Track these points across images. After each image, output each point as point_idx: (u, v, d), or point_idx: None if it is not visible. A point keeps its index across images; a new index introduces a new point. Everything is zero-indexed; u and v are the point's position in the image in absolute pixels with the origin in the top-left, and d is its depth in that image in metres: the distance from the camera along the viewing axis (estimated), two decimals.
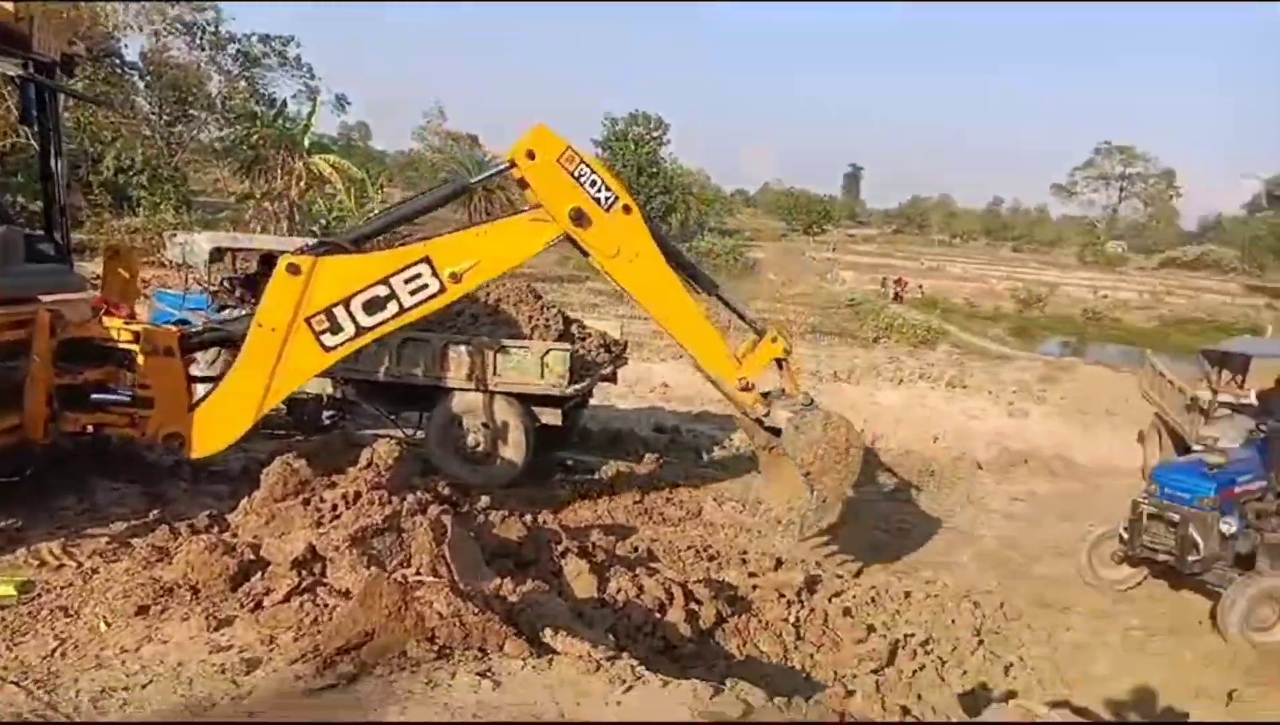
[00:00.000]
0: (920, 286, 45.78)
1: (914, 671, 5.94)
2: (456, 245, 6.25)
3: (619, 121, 53.87)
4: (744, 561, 7.59)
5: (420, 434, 9.83)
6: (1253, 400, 8.52)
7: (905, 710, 4.57)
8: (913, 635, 6.74)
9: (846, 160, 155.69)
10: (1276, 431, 7.88)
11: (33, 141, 7.40)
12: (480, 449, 9.47)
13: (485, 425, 9.41)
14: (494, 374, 9.25)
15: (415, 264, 6.12)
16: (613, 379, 11.11)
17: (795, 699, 4.56)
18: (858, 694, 4.77)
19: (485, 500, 7.69)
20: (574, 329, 10.59)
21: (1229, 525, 7.46)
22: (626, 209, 6.34)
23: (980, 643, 6.82)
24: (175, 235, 13.18)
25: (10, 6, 6.03)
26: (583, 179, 6.21)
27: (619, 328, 11.52)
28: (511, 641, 4.57)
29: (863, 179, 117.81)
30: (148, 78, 37.81)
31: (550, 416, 9.55)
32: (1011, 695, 5.62)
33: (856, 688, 4.99)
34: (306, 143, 32.87)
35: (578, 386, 9.49)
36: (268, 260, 10.93)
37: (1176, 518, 7.53)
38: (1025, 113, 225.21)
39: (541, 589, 5.66)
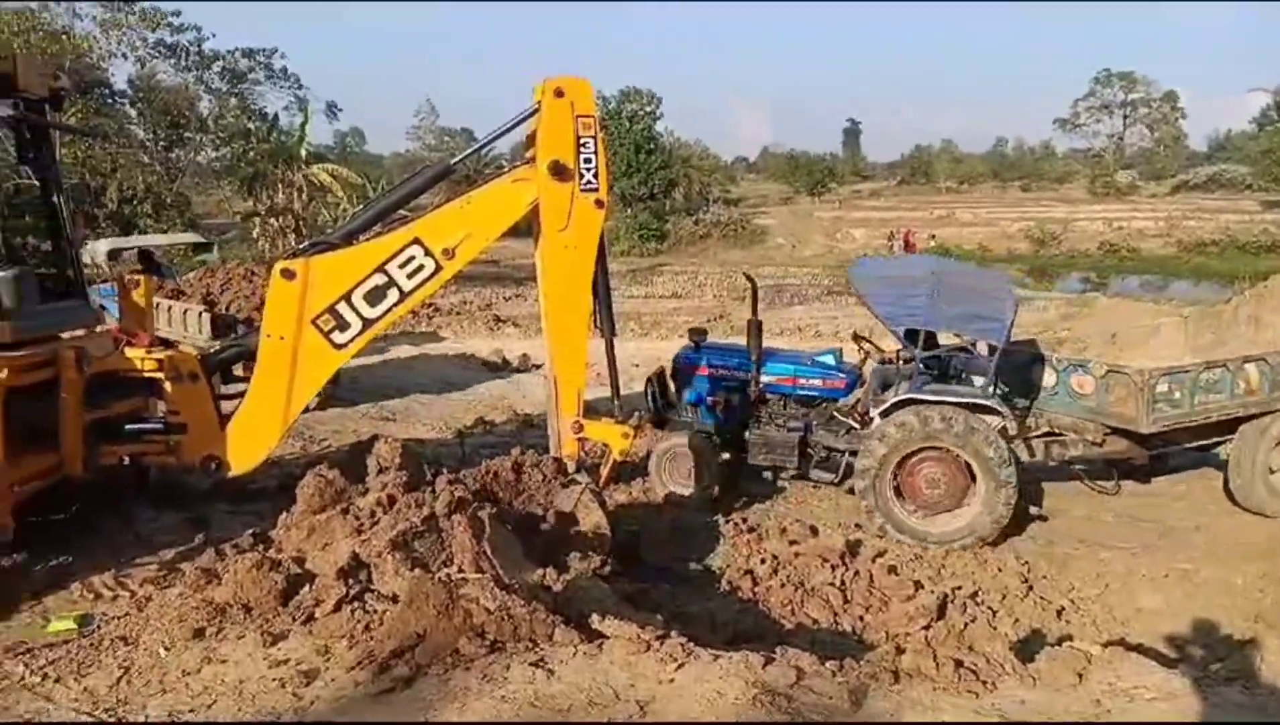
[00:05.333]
0: (931, 236, 45.20)
1: (965, 624, 5.89)
2: (444, 220, 6.30)
3: (611, 100, 53.34)
4: (783, 530, 7.59)
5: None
6: None
7: (959, 663, 4.57)
8: (960, 588, 6.73)
9: (841, 115, 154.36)
10: (750, 322, 8.53)
11: (33, 181, 7.47)
12: None
13: None
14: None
15: (407, 247, 6.18)
16: None
17: (847, 661, 4.58)
18: (909, 650, 4.77)
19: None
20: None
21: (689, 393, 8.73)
22: (599, 203, 6.35)
23: (1029, 589, 6.79)
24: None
25: None
26: (584, 149, 6.23)
27: None
28: (561, 630, 4.62)
29: (862, 133, 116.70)
30: (139, 105, 37.83)
31: None
32: (1066, 639, 5.59)
33: (907, 645, 4.98)
34: (303, 154, 32.85)
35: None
36: (144, 256, 11.64)
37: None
38: (1016, 44, 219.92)
39: (585, 576, 5.70)
